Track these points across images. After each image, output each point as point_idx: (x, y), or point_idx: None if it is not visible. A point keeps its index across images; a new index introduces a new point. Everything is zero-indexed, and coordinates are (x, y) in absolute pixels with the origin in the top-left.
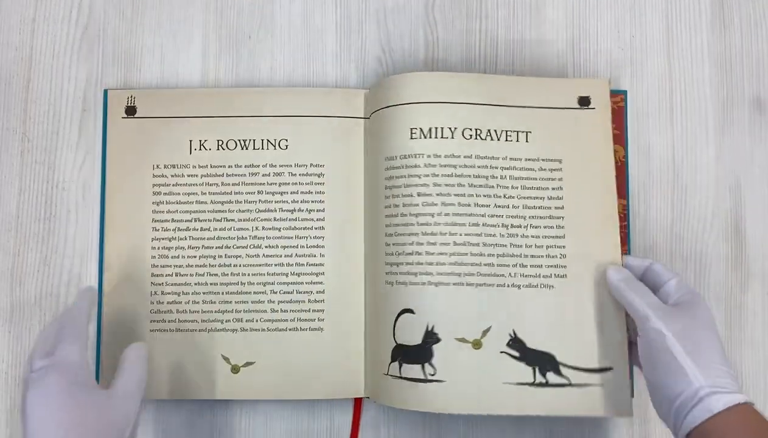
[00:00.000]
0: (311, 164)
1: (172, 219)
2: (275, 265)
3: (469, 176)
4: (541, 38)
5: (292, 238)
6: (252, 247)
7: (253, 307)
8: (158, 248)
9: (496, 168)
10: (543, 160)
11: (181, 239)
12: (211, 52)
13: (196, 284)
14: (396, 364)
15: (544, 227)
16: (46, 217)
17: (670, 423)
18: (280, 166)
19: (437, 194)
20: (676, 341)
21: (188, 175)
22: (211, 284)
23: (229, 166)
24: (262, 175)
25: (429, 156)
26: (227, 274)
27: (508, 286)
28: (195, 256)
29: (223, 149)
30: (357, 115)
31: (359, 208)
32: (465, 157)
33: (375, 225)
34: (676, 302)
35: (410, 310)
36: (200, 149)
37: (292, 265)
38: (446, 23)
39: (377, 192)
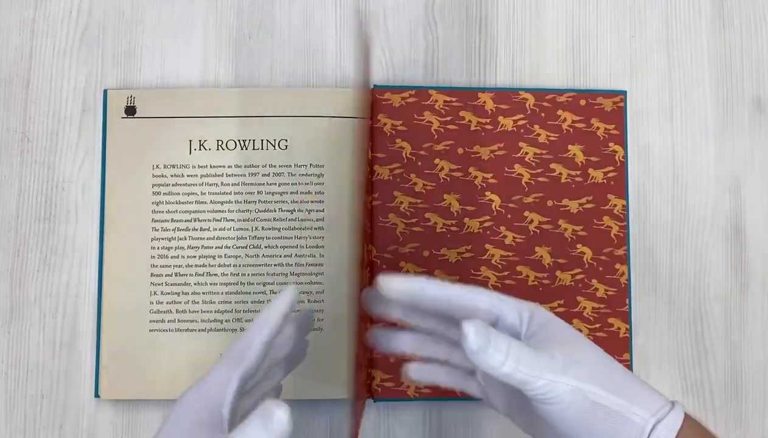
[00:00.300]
0: (311, 164)
1: (172, 219)
2: (275, 265)
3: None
4: (541, 38)
5: (291, 238)
6: (252, 247)
7: (252, 307)
8: (158, 248)
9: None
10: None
11: (180, 239)
12: (211, 52)
13: (195, 284)
14: None
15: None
16: (46, 217)
17: None
18: (279, 166)
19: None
20: (602, 389)
21: (188, 175)
22: (211, 284)
23: (228, 166)
24: (262, 175)
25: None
26: (227, 274)
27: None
28: (195, 256)
29: (223, 149)
30: (357, 115)
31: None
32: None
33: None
34: (533, 333)
35: None
36: (200, 149)
37: (292, 265)
38: (446, 23)
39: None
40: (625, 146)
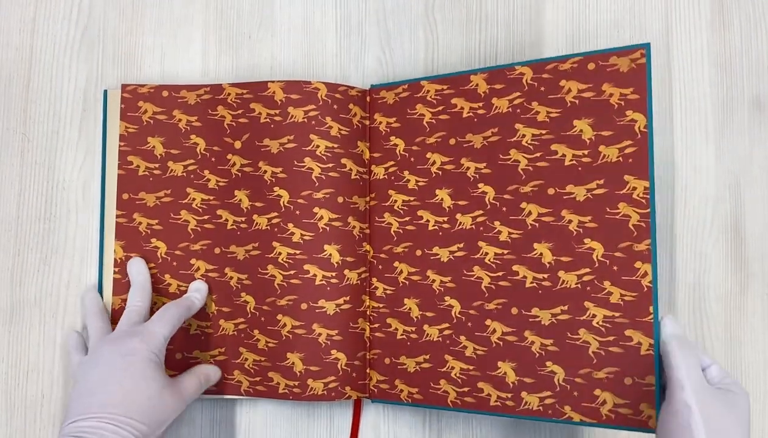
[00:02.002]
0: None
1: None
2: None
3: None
4: (541, 38)
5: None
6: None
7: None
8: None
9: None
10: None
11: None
12: (211, 52)
13: None
14: None
15: None
16: (46, 217)
17: None
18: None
19: None
20: (701, 422)
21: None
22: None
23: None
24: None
25: None
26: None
27: None
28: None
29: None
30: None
31: None
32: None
33: None
34: (718, 387)
35: None
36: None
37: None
38: (446, 23)
39: None
40: (649, 113)
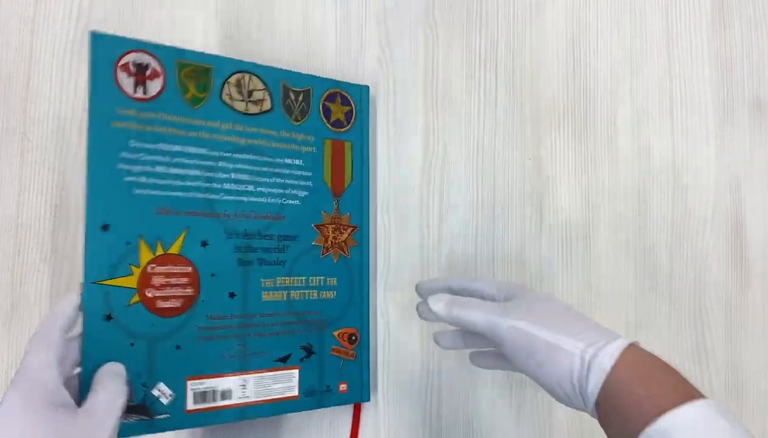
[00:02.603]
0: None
1: None
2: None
3: None
4: (541, 38)
5: None
6: None
7: None
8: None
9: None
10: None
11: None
12: (211, 52)
13: None
14: None
15: None
16: (46, 217)
17: (581, 404)
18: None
19: None
20: (536, 325)
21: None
22: None
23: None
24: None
25: None
26: None
27: None
28: None
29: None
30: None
31: None
32: None
33: None
34: (506, 298)
35: None
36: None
37: None
38: (446, 23)
39: None
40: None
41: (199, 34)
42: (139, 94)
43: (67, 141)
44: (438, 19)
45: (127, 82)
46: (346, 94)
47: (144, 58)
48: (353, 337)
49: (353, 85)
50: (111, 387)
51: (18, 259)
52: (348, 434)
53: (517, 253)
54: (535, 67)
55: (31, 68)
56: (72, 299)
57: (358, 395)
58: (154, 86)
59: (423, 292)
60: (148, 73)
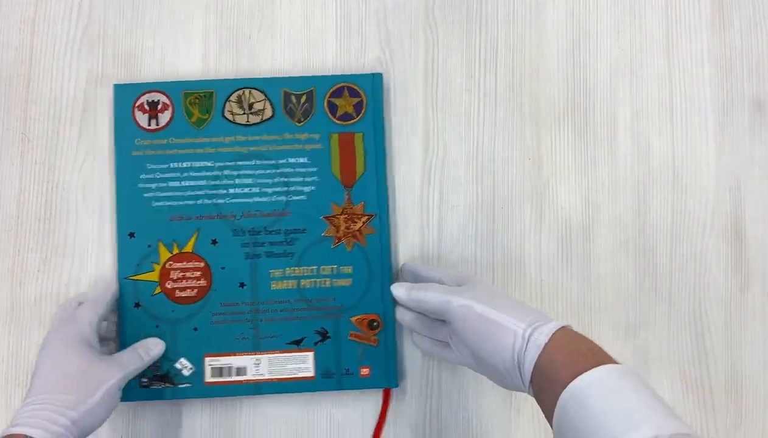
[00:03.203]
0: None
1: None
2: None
3: None
4: (541, 38)
5: None
6: None
7: None
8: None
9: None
10: None
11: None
12: (211, 52)
13: None
14: None
15: None
16: (46, 217)
17: (519, 381)
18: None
19: None
20: (483, 305)
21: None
22: None
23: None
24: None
25: None
26: None
27: None
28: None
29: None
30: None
31: None
32: None
33: None
34: (458, 283)
35: None
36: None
37: None
38: (446, 23)
39: None
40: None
41: (199, 34)
42: (153, 126)
43: (68, 141)
44: (438, 19)
45: (142, 118)
46: (354, 86)
47: (155, 97)
48: (374, 323)
49: (363, 75)
50: (143, 357)
51: (18, 259)
52: (346, 428)
53: (517, 253)
54: (535, 67)
55: (31, 68)
56: (113, 287)
57: (384, 381)
58: (164, 117)
59: (407, 275)
60: (159, 107)
